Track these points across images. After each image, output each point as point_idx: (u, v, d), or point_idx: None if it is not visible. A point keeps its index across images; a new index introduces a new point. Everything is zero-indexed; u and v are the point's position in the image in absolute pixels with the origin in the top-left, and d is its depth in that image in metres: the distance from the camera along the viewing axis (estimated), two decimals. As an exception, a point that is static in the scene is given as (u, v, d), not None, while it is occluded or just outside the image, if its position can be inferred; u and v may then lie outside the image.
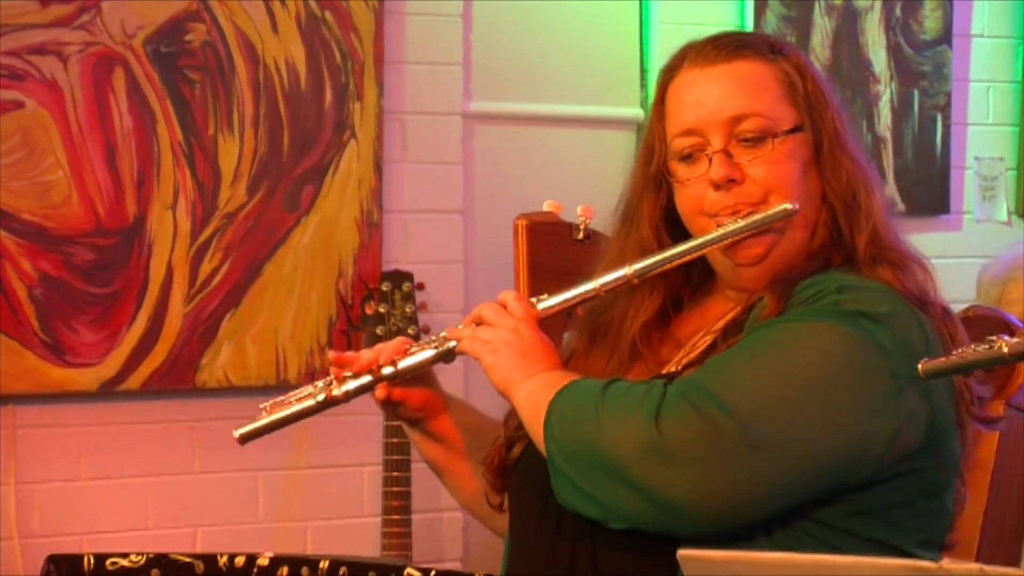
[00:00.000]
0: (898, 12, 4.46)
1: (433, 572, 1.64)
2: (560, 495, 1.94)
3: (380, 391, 2.11)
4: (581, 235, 2.61)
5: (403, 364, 2.10)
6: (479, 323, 2.06)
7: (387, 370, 2.10)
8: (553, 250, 2.61)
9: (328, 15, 3.81)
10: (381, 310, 3.72)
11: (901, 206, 4.38)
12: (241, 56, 3.74)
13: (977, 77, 4.60)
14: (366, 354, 2.13)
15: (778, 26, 4.26)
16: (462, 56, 4.02)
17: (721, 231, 2.02)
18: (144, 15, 3.65)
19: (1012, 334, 1.70)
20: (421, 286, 3.78)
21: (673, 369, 2.04)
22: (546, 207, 2.66)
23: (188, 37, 3.69)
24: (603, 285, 2.06)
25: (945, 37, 4.52)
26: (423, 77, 3.96)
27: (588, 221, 2.60)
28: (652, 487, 1.86)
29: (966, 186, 4.60)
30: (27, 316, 3.56)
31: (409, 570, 1.64)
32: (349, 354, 2.16)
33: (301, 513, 3.86)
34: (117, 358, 3.63)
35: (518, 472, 2.10)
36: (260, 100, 3.75)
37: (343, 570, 1.65)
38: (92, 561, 1.67)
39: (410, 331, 3.69)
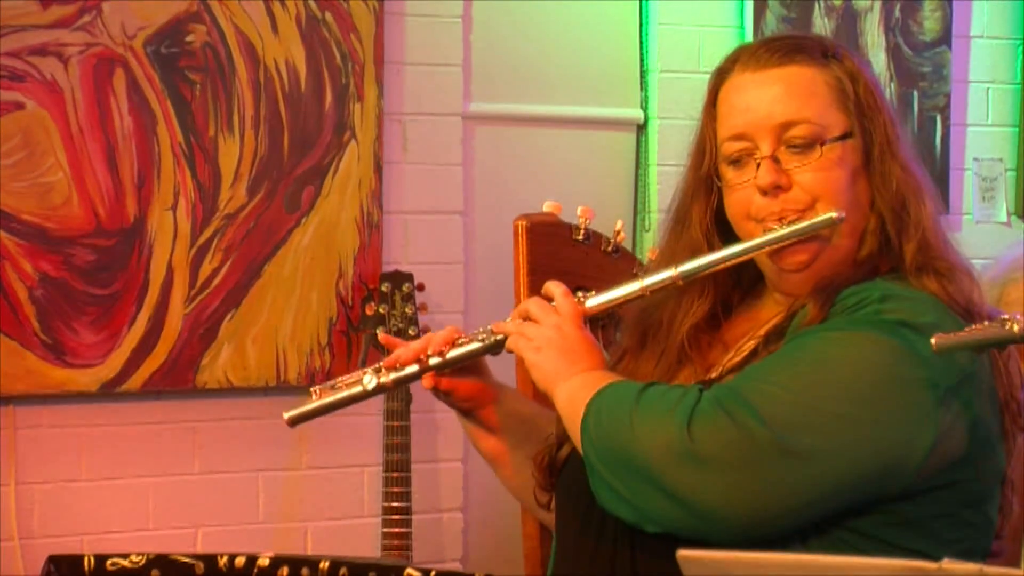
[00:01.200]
0: (897, 13, 4.46)
1: (433, 572, 1.64)
2: (598, 496, 1.94)
3: (427, 380, 2.15)
4: (581, 236, 2.61)
5: (450, 355, 2.14)
6: (525, 318, 2.07)
7: (434, 360, 2.14)
8: (553, 251, 2.61)
9: (328, 16, 3.81)
10: (381, 311, 3.72)
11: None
12: (241, 57, 3.74)
13: (976, 78, 4.60)
14: (415, 344, 2.15)
15: (777, 27, 4.25)
16: (462, 57, 4.02)
17: (765, 237, 2.01)
18: (144, 16, 3.65)
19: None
20: (421, 287, 3.78)
21: (714, 375, 2.04)
22: (546, 208, 2.66)
23: (188, 38, 3.69)
24: (649, 286, 2.07)
25: (944, 38, 4.52)
26: (423, 78, 3.96)
27: (588, 222, 2.61)
28: (684, 493, 1.86)
29: (965, 187, 4.60)
30: (27, 317, 3.56)
31: (409, 570, 1.64)
32: (399, 342, 2.20)
33: (301, 513, 3.86)
34: (117, 359, 3.64)
35: (565, 472, 2.10)
36: (260, 101, 3.75)
37: (343, 570, 1.65)
38: (92, 562, 1.67)
39: (411, 332, 3.69)
